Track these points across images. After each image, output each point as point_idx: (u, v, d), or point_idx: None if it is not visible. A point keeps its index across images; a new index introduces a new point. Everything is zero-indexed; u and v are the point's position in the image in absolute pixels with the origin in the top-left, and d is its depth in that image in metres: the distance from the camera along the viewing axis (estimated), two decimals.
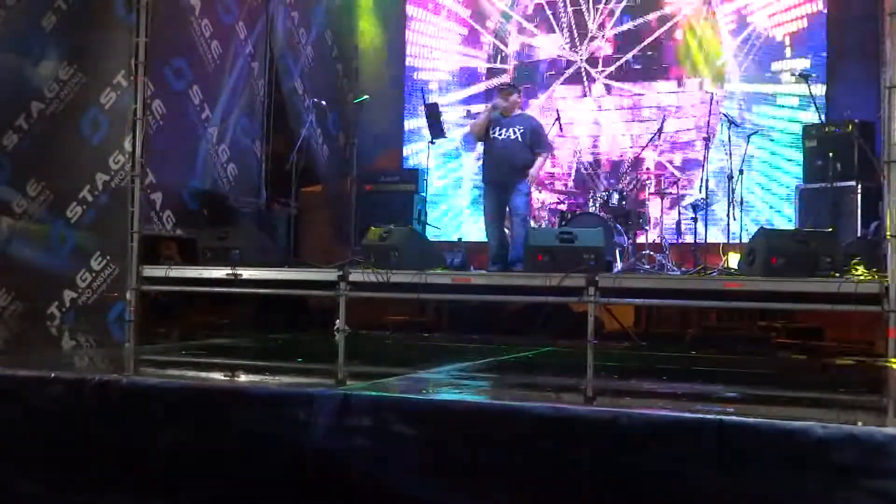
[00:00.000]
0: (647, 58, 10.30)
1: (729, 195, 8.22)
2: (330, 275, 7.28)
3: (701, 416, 3.16)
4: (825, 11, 9.48)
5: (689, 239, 8.59)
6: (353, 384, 4.37)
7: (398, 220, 8.59)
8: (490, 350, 6.14)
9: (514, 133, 7.84)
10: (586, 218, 8.54)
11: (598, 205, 8.87)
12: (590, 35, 10.49)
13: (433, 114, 9.78)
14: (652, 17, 10.27)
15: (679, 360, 5.87)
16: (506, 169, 7.85)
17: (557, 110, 9.32)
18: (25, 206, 7.59)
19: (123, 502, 3.70)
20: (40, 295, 7.54)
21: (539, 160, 7.91)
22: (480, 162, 8.53)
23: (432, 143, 9.80)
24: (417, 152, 10.91)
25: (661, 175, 9.29)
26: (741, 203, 8.32)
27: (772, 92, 9.74)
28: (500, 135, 7.88)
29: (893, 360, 5.63)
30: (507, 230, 8.10)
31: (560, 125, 9.22)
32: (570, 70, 10.58)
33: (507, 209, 7.97)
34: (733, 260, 7.86)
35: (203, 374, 5.37)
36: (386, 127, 10.88)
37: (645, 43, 10.30)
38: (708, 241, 8.38)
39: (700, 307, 7.49)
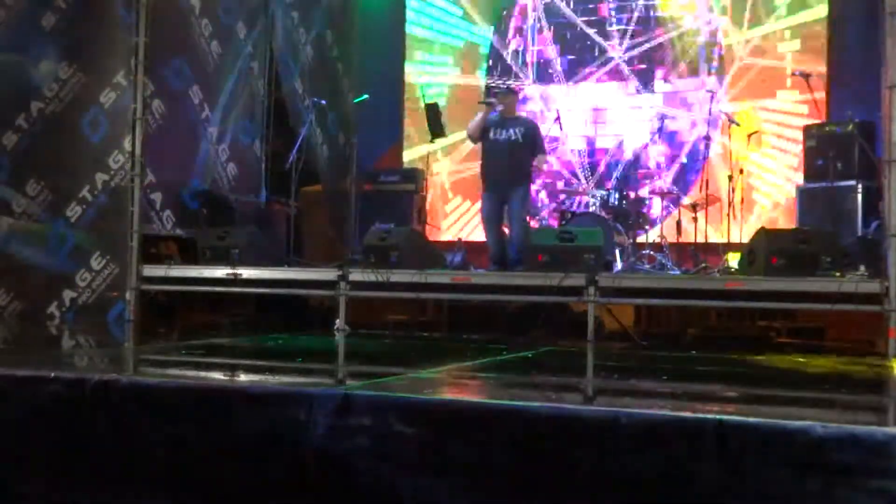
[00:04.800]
0: (649, 56, 10.31)
1: (729, 195, 8.22)
2: (330, 274, 7.27)
3: (701, 415, 3.15)
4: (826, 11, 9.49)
5: (689, 239, 8.59)
6: (353, 384, 4.36)
7: (398, 219, 8.57)
8: (490, 350, 6.14)
9: (515, 134, 7.89)
10: (586, 218, 8.54)
11: (598, 205, 8.86)
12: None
13: (433, 113, 9.78)
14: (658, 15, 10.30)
15: (679, 360, 5.86)
16: (506, 169, 7.86)
17: (557, 109, 9.31)
18: (25, 205, 7.56)
19: (123, 502, 3.70)
20: (40, 294, 7.51)
21: (536, 162, 7.96)
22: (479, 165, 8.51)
23: (432, 142, 9.80)
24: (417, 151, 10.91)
25: (660, 174, 9.28)
26: (741, 203, 8.31)
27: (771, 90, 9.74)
28: (500, 136, 7.90)
29: (894, 360, 5.62)
30: (505, 230, 8.11)
31: (560, 124, 9.22)
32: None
33: (506, 210, 7.98)
34: (733, 260, 7.86)
35: (203, 374, 5.35)
36: (386, 127, 10.87)
37: (646, 41, 10.32)
38: (708, 241, 8.38)
39: (700, 307, 7.48)
